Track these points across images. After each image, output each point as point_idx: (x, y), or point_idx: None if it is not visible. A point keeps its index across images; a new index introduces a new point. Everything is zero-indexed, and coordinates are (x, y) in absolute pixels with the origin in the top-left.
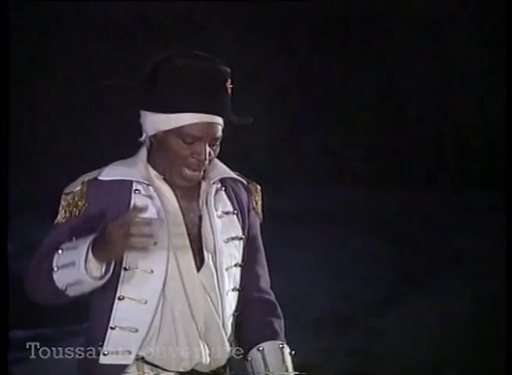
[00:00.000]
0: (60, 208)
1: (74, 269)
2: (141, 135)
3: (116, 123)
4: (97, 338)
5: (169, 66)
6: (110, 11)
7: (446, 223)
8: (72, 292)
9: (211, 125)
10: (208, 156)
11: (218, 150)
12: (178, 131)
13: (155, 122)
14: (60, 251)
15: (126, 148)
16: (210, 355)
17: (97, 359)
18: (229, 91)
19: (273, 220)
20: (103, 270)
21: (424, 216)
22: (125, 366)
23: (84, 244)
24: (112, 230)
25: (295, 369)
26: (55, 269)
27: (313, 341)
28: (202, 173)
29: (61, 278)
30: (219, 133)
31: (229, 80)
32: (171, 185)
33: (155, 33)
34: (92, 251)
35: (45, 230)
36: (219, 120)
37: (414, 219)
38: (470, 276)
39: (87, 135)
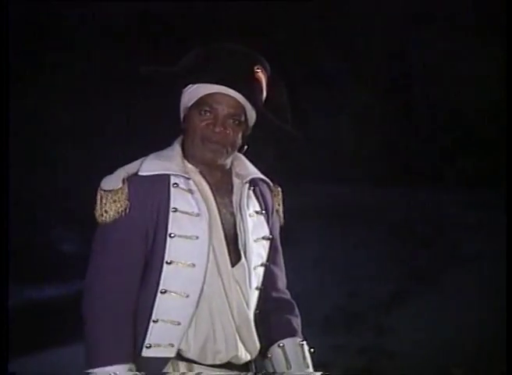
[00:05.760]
0: (99, 204)
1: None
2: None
3: (117, 123)
4: (139, 331)
5: (204, 49)
6: (111, 11)
7: (455, 222)
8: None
9: (228, 97)
10: (222, 128)
11: (238, 133)
12: (197, 103)
13: (184, 102)
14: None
15: (127, 147)
16: (244, 349)
17: (140, 352)
18: (257, 75)
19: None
20: None
21: (433, 214)
22: (166, 359)
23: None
24: None
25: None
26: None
27: (323, 339)
28: (225, 149)
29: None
30: (237, 110)
31: (260, 67)
32: (206, 179)
33: (157, 33)
34: None
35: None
36: (239, 97)
37: (423, 218)
38: (475, 275)
39: (87, 135)
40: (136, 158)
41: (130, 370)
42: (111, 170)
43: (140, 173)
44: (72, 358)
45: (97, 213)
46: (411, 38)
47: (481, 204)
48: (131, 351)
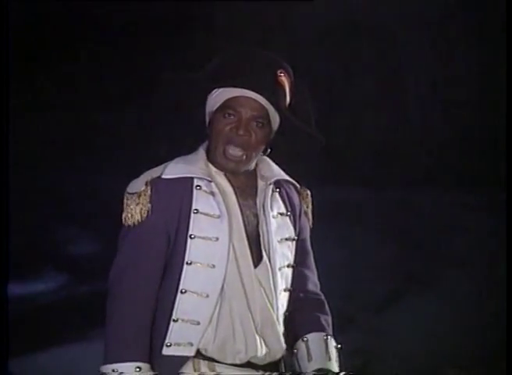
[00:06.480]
0: (125, 207)
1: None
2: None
3: (117, 122)
4: (160, 330)
5: (228, 53)
6: (112, 11)
7: (449, 223)
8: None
9: (251, 100)
10: (245, 131)
11: (262, 136)
12: (221, 107)
13: (209, 107)
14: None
15: (137, 149)
16: (266, 349)
17: (160, 350)
18: (280, 79)
19: None
20: None
21: (427, 216)
22: (186, 358)
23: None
24: None
25: None
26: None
27: None
28: (245, 155)
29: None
30: (261, 113)
31: (283, 71)
32: (231, 181)
33: (159, 33)
34: None
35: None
36: (262, 100)
37: (417, 219)
38: (472, 276)
39: (86, 136)
40: (145, 160)
41: (138, 368)
42: (116, 172)
43: (163, 176)
44: (72, 359)
45: (123, 216)
46: (406, 38)
47: (480, 205)
48: (147, 350)
